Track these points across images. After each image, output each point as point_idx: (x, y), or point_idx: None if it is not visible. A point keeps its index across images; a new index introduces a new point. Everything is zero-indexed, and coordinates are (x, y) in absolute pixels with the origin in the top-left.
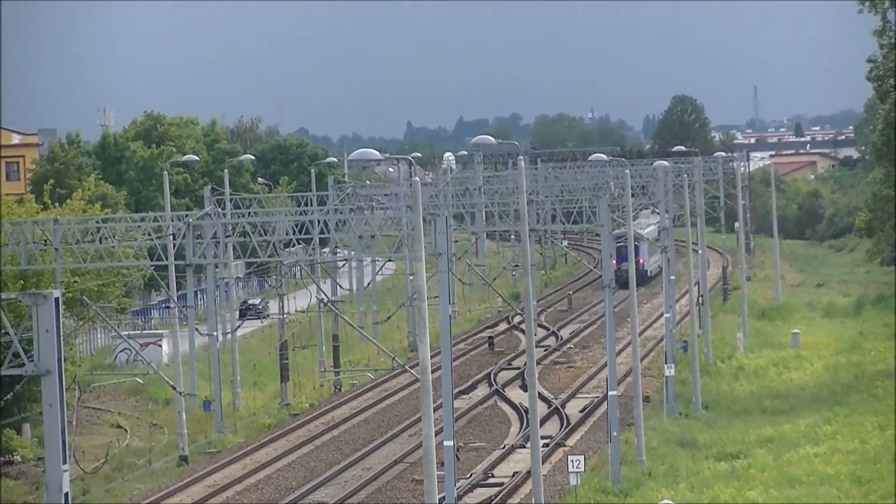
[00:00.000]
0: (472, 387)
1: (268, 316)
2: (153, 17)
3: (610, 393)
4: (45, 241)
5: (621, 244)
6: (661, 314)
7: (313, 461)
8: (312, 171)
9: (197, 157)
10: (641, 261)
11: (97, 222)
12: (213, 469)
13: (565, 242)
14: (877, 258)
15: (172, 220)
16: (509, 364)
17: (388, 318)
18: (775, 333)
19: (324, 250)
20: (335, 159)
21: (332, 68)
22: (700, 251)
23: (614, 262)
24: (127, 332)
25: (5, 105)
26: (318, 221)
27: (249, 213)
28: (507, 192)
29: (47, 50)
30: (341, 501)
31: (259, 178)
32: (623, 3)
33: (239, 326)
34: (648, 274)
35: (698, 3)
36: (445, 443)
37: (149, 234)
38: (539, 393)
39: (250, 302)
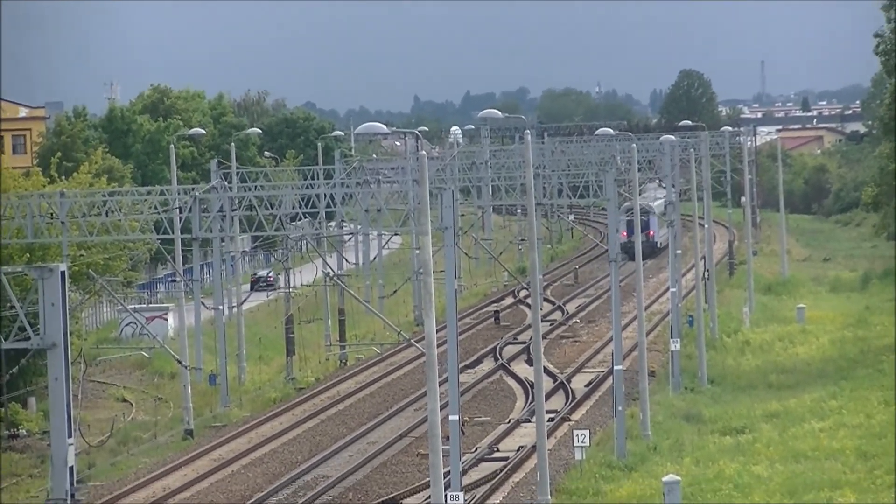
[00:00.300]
0: (478, 361)
1: (278, 288)
2: None
3: (615, 367)
4: (52, 214)
5: (631, 217)
6: (668, 288)
7: (318, 435)
8: (319, 144)
9: (203, 131)
10: (652, 233)
11: (103, 196)
12: (218, 443)
13: (571, 217)
14: (883, 233)
15: (179, 194)
16: (515, 338)
17: (394, 292)
18: (781, 308)
19: (330, 224)
20: (342, 133)
21: (339, 42)
22: (706, 226)
23: (625, 234)
24: (133, 306)
25: (12, 78)
26: (325, 195)
27: (256, 187)
28: (513, 166)
29: (54, 23)
30: (346, 475)
31: (266, 152)
32: None
33: (246, 299)
34: (658, 246)
35: None
36: (451, 417)
37: (155, 208)
38: (544, 367)
39: (261, 273)
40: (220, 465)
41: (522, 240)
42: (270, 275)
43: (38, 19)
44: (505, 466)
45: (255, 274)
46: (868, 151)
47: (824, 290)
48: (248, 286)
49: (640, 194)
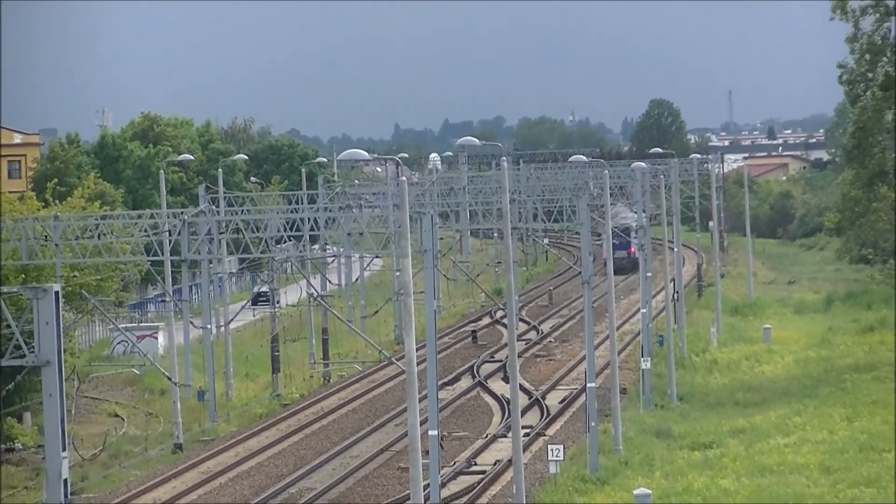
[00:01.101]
0: (456, 378)
1: (278, 302)
2: (147, 18)
3: (588, 385)
4: (46, 237)
5: (623, 229)
6: (639, 309)
7: (303, 449)
8: (303, 170)
9: (192, 157)
10: (633, 250)
11: (96, 219)
12: (206, 456)
13: (546, 240)
14: (846, 256)
15: (168, 218)
16: (492, 357)
17: (376, 312)
18: (748, 329)
19: (314, 247)
20: (325, 159)
21: (322, 72)
22: (676, 249)
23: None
24: (124, 325)
25: (7, 105)
26: (309, 219)
27: (242, 211)
28: (490, 191)
29: (47, 51)
30: (330, 488)
31: (252, 177)
32: (606, 7)
33: (235, 316)
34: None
35: (675, 6)
36: (430, 432)
37: (145, 231)
38: (520, 384)
39: (261, 290)
40: (208, 477)
41: (499, 262)
42: (269, 292)
43: (32, 49)
44: (482, 480)
45: (257, 290)
46: (831, 178)
47: (789, 312)
48: (239, 304)
49: (612, 217)
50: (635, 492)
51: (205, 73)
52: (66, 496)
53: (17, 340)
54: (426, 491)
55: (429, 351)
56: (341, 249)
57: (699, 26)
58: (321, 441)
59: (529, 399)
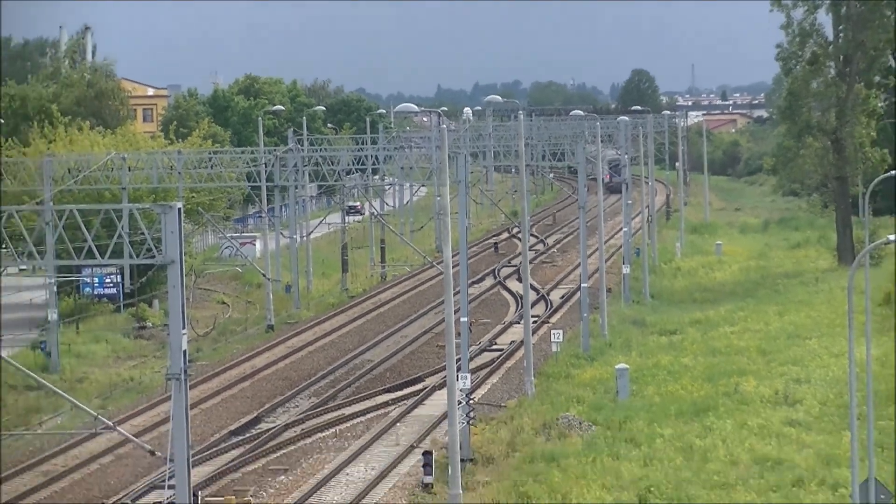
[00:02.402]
0: (482, 279)
1: (363, 213)
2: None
3: (582, 285)
4: (171, 166)
5: (614, 164)
6: (621, 228)
7: (364, 330)
8: (367, 119)
9: (283, 108)
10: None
11: (209, 154)
12: (291, 335)
13: (552, 175)
14: (779, 191)
15: (264, 154)
16: (509, 263)
17: (421, 228)
18: (704, 244)
19: (375, 177)
20: (384, 111)
21: (385, 40)
22: (650, 183)
23: (608, 176)
24: (230, 234)
25: (143, 65)
26: (371, 156)
27: (321, 150)
28: (509, 137)
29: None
30: (385, 359)
31: (328, 124)
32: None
33: (314, 229)
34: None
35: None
36: (462, 319)
37: (247, 164)
38: (531, 284)
39: (351, 204)
40: (292, 351)
41: (515, 191)
42: (359, 205)
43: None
44: (500, 355)
45: (348, 203)
46: (769, 131)
47: (736, 232)
48: (316, 220)
49: (602, 157)
50: (617, 366)
51: (295, 42)
52: (184, 363)
53: (149, 245)
54: (458, 363)
55: (461, 257)
56: (395, 179)
57: (673, 12)
58: (378, 324)
59: (537, 295)
